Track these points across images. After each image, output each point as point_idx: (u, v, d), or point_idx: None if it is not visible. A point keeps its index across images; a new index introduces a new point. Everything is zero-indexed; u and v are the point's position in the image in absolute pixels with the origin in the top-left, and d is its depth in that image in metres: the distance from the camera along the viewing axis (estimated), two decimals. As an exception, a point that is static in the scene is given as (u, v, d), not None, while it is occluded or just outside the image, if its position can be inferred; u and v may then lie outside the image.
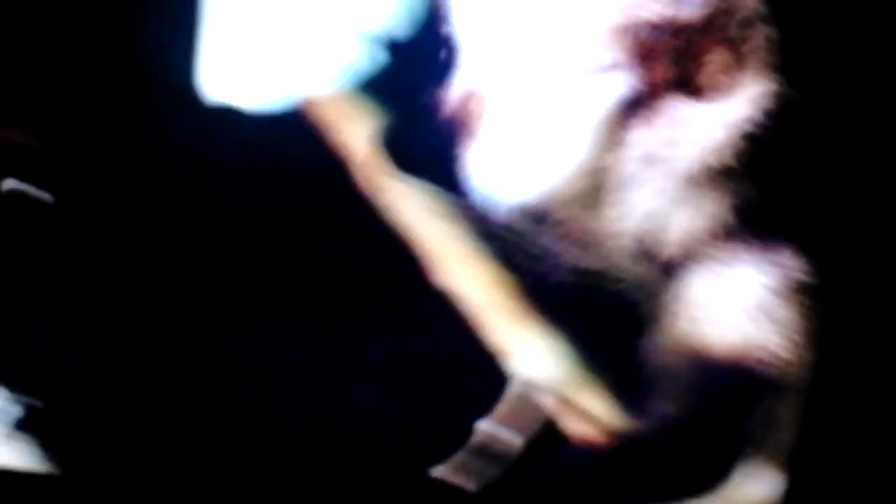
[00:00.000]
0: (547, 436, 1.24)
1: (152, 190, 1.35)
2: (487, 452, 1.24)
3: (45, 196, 1.33)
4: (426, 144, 1.27)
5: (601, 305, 1.21)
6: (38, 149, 1.34)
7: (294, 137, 1.34)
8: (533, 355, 1.25)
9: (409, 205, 1.30)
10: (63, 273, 1.33)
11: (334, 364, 1.32)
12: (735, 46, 1.10)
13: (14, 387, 1.30)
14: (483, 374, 1.27)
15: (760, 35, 1.10)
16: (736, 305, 1.17)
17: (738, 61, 1.10)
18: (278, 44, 1.34)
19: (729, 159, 1.12)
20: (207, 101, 1.36)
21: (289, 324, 1.34)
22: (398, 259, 1.31)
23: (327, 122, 1.33)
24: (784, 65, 1.11)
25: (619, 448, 1.20)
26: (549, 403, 1.24)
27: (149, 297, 1.34)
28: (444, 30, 1.25)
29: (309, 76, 1.34)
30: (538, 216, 1.22)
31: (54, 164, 1.34)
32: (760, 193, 1.14)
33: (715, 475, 1.16)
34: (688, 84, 1.12)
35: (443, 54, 1.25)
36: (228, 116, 1.36)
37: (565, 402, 1.23)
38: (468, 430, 1.26)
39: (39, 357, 1.32)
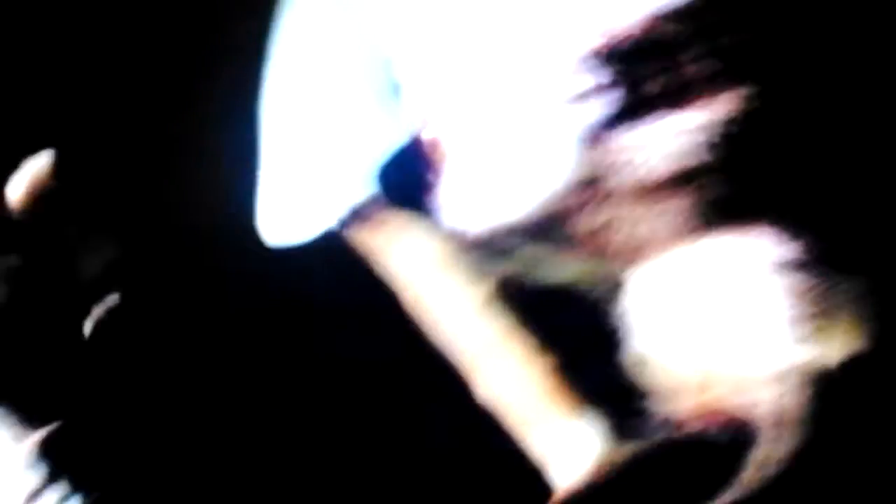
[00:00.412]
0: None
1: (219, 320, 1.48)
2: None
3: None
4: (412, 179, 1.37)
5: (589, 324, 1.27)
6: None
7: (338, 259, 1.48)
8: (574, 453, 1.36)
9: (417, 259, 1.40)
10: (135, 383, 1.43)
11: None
12: (707, 55, 1.19)
13: (73, 481, 1.37)
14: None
15: (730, 42, 1.19)
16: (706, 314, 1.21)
17: (711, 69, 1.19)
18: (307, 172, 1.49)
19: (700, 160, 1.19)
20: (264, 239, 1.50)
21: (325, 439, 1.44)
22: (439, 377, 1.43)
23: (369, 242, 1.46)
24: (756, 67, 1.20)
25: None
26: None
27: (208, 403, 1.44)
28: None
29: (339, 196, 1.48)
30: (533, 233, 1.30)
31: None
32: (735, 187, 1.20)
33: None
34: (665, 95, 1.20)
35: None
36: (283, 253, 1.50)
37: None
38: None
39: (99, 455, 1.39)
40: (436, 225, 1.36)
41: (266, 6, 1.43)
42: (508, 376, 1.38)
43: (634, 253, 1.22)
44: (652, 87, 1.19)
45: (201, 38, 1.45)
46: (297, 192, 1.49)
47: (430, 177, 1.33)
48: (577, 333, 1.30)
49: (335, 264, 1.48)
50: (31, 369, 1.39)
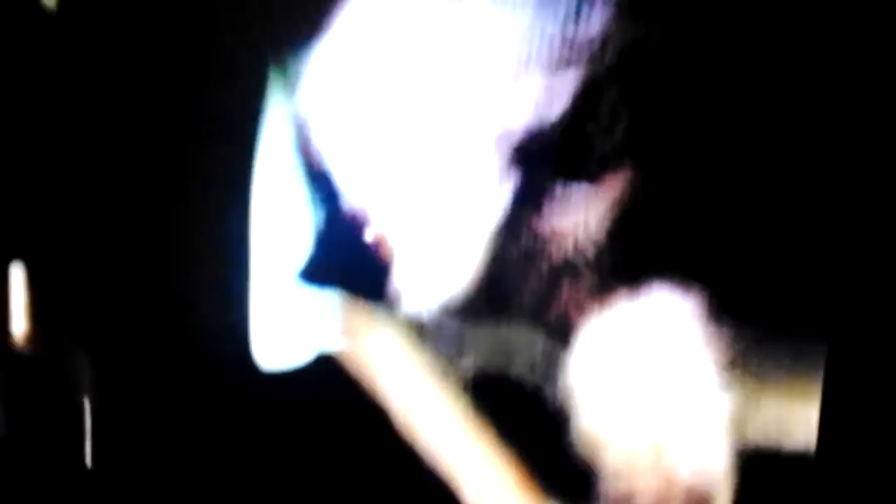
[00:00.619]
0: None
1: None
2: None
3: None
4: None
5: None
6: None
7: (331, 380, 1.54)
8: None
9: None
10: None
11: None
12: (600, 138, 1.28)
13: None
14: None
15: (622, 124, 1.28)
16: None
17: (602, 150, 1.28)
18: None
19: (610, 230, 1.28)
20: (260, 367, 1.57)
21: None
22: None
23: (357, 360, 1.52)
24: (644, 144, 1.28)
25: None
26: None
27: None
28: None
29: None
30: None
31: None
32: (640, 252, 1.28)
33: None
34: (565, 174, 1.29)
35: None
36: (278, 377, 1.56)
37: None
38: None
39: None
40: (394, 313, 1.44)
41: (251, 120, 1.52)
42: (483, 473, 1.43)
43: (569, 321, 1.29)
44: (565, 168, 1.28)
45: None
46: (287, 317, 1.55)
47: (382, 270, 1.41)
48: (529, 420, 1.35)
49: (328, 386, 1.54)
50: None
